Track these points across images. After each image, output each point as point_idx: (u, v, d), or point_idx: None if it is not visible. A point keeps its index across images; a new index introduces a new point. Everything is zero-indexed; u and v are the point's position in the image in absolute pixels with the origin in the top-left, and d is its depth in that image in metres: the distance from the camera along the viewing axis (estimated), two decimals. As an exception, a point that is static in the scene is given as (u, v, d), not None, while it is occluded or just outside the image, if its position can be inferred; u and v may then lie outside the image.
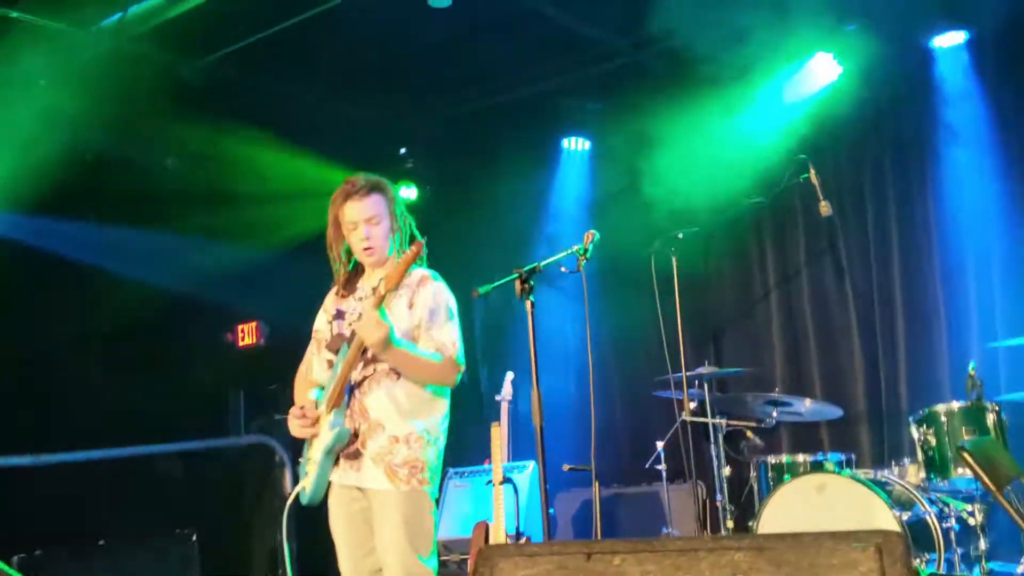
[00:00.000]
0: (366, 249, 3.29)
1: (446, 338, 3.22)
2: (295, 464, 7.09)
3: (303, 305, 7.41)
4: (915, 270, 5.77)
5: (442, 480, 3.51)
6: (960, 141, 5.56)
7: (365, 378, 3.23)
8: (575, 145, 6.76)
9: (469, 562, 5.35)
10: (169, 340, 7.36)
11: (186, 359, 7.56)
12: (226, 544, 6.93)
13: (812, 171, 5.08)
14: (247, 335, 8.26)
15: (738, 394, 5.31)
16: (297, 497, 3.27)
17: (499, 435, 5.44)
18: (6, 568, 2.44)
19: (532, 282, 3.22)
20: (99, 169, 6.83)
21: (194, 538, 6.43)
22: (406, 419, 3.21)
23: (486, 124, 6.75)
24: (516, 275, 3.18)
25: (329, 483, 3.28)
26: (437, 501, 3.29)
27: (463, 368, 3.26)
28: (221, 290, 7.71)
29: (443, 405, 3.32)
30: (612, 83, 6.21)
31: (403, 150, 7.24)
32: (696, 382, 5.30)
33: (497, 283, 3.26)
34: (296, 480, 7.03)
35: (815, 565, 1.45)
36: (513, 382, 5.86)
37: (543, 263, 3.34)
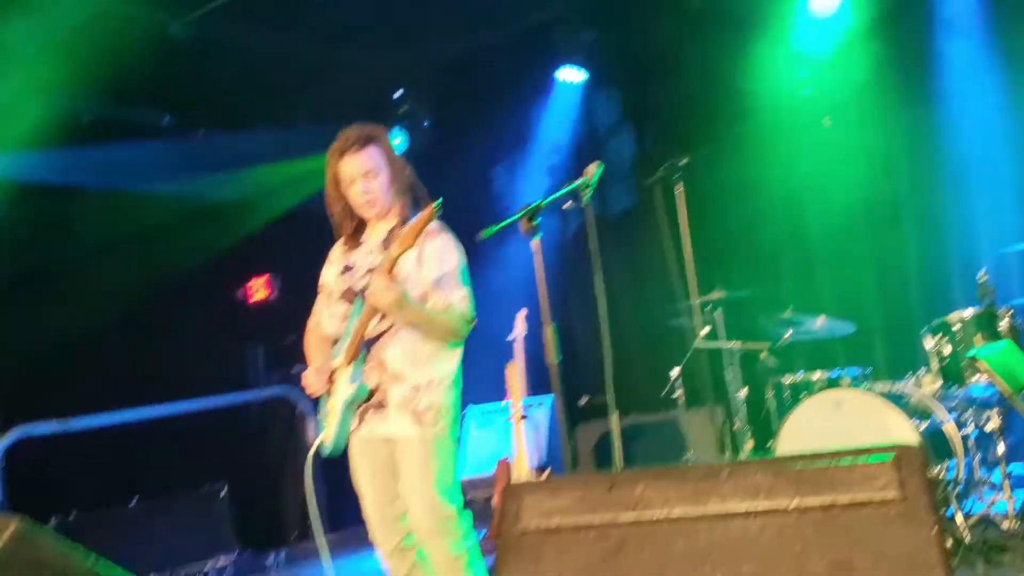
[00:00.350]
0: (368, 203, 3.29)
1: (455, 294, 3.24)
2: (318, 411, 7.19)
3: (315, 258, 7.49)
4: (922, 177, 5.74)
5: (460, 421, 3.55)
6: (961, 36, 5.48)
7: (382, 332, 3.26)
8: (571, 78, 6.65)
9: (494, 499, 5.43)
10: (186, 298, 7.40)
11: (204, 317, 7.61)
12: (256, 497, 7.05)
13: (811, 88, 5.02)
14: (258, 290, 8.31)
15: (751, 315, 5.31)
16: (319, 449, 3.33)
17: (515, 373, 5.48)
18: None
19: (537, 220, 3.21)
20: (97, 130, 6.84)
21: (224, 492, 6.55)
22: (425, 367, 3.25)
23: (480, 62, 6.66)
24: (521, 213, 3.17)
25: (349, 434, 3.32)
26: (458, 441, 3.35)
27: (475, 321, 3.28)
28: (233, 247, 7.74)
29: (457, 352, 3.37)
30: (605, 10, 6.10)
31: (398, 93, 7.17)
32: (709, 308, 5.31)
33: (502, 223, 3.25)
34: (319, 429, 7.13)
35: (835, 481, 1.47)
36: (526, 318, 5.89)
37: (546, 200, 3.31)
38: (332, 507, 7.31)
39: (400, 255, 3.08)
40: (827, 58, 5.67)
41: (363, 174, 3.25)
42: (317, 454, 3.32)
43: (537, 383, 6.12)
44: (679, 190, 4.90)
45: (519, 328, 5.81)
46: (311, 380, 3.32)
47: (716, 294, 5.23)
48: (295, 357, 7.48)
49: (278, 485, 7.35)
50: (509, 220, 3.21)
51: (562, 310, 5.37)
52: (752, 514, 1.49)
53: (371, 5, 6.02)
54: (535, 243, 3.18)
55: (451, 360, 3.33)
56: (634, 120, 5.86)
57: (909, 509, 1.42)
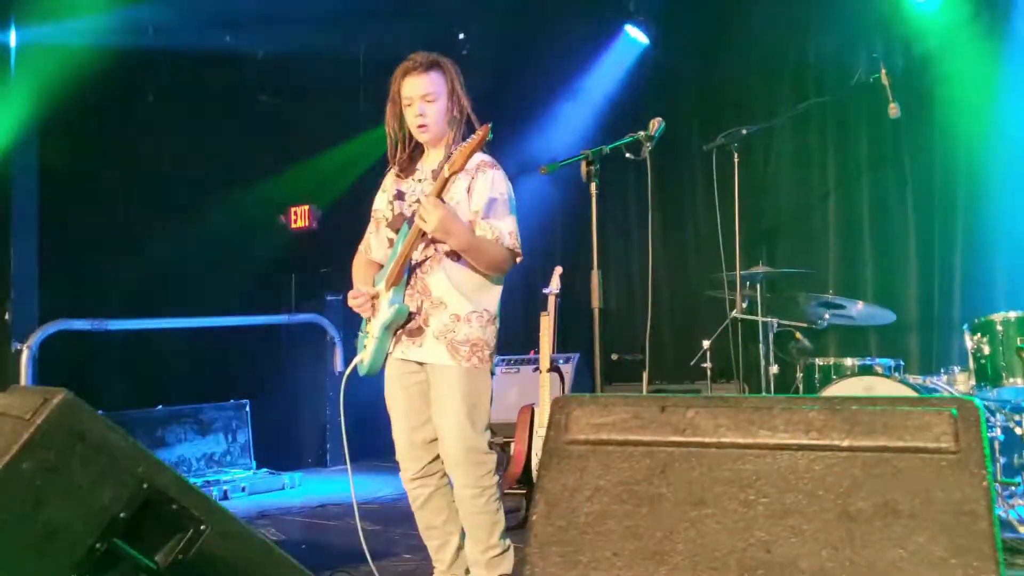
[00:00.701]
0: (420, 127, 3.30)
1: (504, 227, 3.25)
2: (345, 342, 7.27)
3: (355, 191, 7.52)
4: (978, 179, 5.66)
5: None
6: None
7: (427, 258, 3.28)
8: (638, 35, 6.58)
9: (514, 445, 5.47)
10: (227, 217, 7.50)
11: (244, 238, 7.69)
12: (277, 418, 7.16)
13: (883, 71, 4.94)
14: (300, 218, 8.37)
15: (791, 294, 5.29)
16: (355, 369, 3.37)
17: (548, 324, 5.50)
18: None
19: (597, 165, 3.21)
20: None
21: (247, 409, 6.65)
22: (467, 299, 3.27)
23: (546, 6, 6.61)
24: (583, 156, 3.17)
25: (386, 356, 3.36)
26: (492, 375, 3.37)
27: (521, 257, 3.30)
28: (276, 174, 7.82)
29: (499, 289, 3.39)
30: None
31: (461, 35, 7.14)
32: (748, 283, 5.29)
33: (564, 161, 3.25)
34: (346, 358, 7.21)
35: (889, 426, 1.47)
36: (561, 276, 5.90)
37: (608, 147, 3.31)
38: (353, 438, 7.43)
39: (451, 177, 3.10)
40: (896, 45, 5.57)
41: (422, 96, 3.27)
42: (353, 373, 3.36)
43: (563, 342, 6.17)
44: (736, 160, 4.85)
45: (555, 284, 5.83)
46: (355, 301, 3.35)
47: (759, 268, 5.21)
48: (329, 286, 7.56)
49: (300, 410, 7.45)
50: (570, 160, 3.22)
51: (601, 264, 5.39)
52: (802, 447, 1.50)
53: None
54: (592, 187, 3.19)
55: (493, 294, 3.34)
56: (698, 85, 5.79)
57: (962, 460, 1.42)
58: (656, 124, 3.57)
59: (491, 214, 3.24)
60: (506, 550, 3.34)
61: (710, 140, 4.96)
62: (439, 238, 3.18)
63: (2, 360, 5.82)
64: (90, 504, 2.44)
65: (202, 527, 2.61)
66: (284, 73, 7.64)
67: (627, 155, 3.49)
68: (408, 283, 3.29)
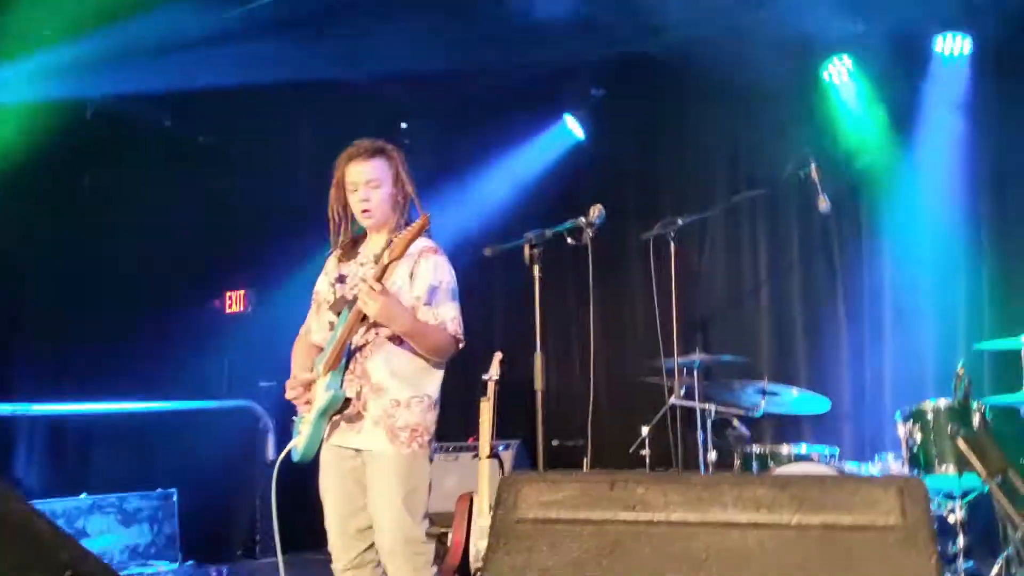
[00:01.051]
0: (364, 212, 3.33)
1: (446, 314, 3.27)
2: (278, 430, 7.10)
3: (289, 276, 7.48)
4: (905, 267, 5.85)
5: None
6: (952, 143, 5.66)
7: (367, 343, 3.27)
8: (575, 127, 6.74)
9: (452, 535, 5.35)
10: (160, 302, 7.39)
11: (175, 320, 7.57)
12: (206, 508, 6.93)
13: (813, 165, 5.11)
14: (235, 302, 8.27)
15: (727, 380, 5.35)
16: (288, 455, 3.29)
17: (488, 409, 5.46)
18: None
19: (540, 248, 3.25)
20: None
21: (175, 497, 6.44)
22: (407, 384, 3.26)
23: (487, 95, 6.75)
24: (526, 240, 3.21)
25: (321, 442, 3.29)
26: (430, 463, 3.32)
27: (463, 343, 3.30)
28: (211, 257, 7.75)
29: (440, 374, 3.38)
30: (619, 70, 6.23)
31: (404, 125, 7.24)
32: (685, 369, 5.33)
33: (507, 245, 3.29)
34: (279, 446, 7.03)
35: (837, 502, 1.48)
36: (501, 362, 5.89)
37: (551, 231, 3.36)
38: (284, 528, 7.21)
39: (391, 263, 3.10)
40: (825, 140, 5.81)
41: (366, 182, 3.31)
42: (286, 460, 3.28)
43: (502, 428, 6.12)
44: (672, 249, 4.95)
45: (494, 370, 5.81)
46: (291, 393, 3.31)
47: (696, 355, 5.26)
48: (263, 373, 7.43)
49: (230, 499, 7.22)
50: (514, 244, 3.25)
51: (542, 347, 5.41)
52: (752, 525, 1.50)
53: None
54: (535, 270, 3.22)
55: (434, 380, 3.34)
56: (635, 173, 5.95)
57: (910, 536, 1.43)
58: (596, 211, 3.65)
59: (433, 301, 3.25)
60: None
61: (647, 229, 5.05)
62: (381, 323, 3.17)
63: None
64: (10, 594, 2.32)
65: (128, 617, 2.50)
66: (225, 155, 7.63)
67: (568, 240, 3.54)
68: (347, 367, 3.27)
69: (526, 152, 6.87)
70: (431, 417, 3.30)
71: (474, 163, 6.92)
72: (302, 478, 3.38)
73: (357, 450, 3.25)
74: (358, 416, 3.23)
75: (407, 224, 3.31)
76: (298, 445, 3.26)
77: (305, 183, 8.18)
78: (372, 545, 3.27)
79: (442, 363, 3.35)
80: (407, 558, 3.16)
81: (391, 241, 3.24)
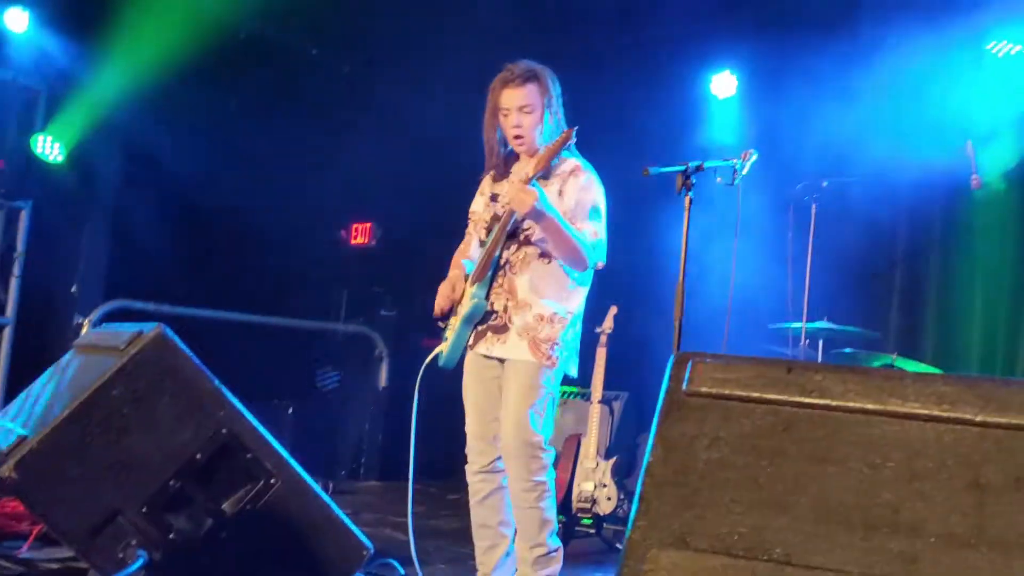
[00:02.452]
0: (516, 137, 3.40)
1: (589, 227, 3.30)
2: (393, 358, 7.28)
3: (416, 212, 7.59)
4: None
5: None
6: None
7: (516, 259, 3.34)
8: (724, 85, 6.63)
9: (557, 474, 5.41)
10: (288, 229, 7.59)
11: (303, 248, 7.77)
12: (317, 426, 7.16)
13: (968, 142, 4.94)
14: (360, 234, 8.45)
15: (853, 351, 5.24)
16: (435, 359, 3.44)
17: (602, 356, 5.51)
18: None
19: (694, 179, 3.26)
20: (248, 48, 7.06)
21: (289, 412, 6.67)
22: (551, 301, 3.34)
23: (632, 57, 6.70)
24: (682, 167, 3.21)
25: (464, 349, 3.40)
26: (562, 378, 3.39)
27: (603, 262, 3.34)
28: (341, 188, 7.91)
29: (583, 294, 3.45)
30: (768, 20, 6.11)
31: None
32: (808, 339, 5.24)
33: (664, 168, 3.30)
34: (393, 374, 7.20)
35: (1024, 404, 1.45)
36: (616, 317, 5.90)
37: (707, 163, 3.35)
38: (384, 456, 7.41)
39: (536, 172, 3.16)
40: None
41: (518, 107, 3.36)
42: (432, 364, 3.41)
43: (614, 381, 6.13)
44: (813, 210, 4.86)
45: (608, 323, 5.83)
46: (442, 292, 3.45)
47: (824, 323, 5.16)
48: (383, 304, 7.62)
49: (340, 421, 7.45)
50: (672, 169, 3.26)
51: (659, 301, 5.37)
52: (932, 418, 1.48)
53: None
54: (687, 200, 3.23)
55: (577, 298, 3.40)
56: (785, 133, 5.84)
57: (1100, 443, 1.40)
58: (748, 155, 3.62)
59: (578, 217, 3.29)
60: (554, 552, 3.31)
61: (792, 187, 4.97)
62: (531, 219, 3.22)
63: (64, 331, 5.90)
64: (171, 440, 2.47)
65: (272, 480, 2.62)
66: (366, 84, 7.77)
67: (718, 179, 3.53)
68: (494, 281, 3.36)
69: (672, 111, 6.81)
70: (571, 335, 3.37)
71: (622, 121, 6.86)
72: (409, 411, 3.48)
73: (500, 360, 3.34)
74: (503, 328, 3.34)
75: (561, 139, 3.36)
76: (443, 350, 3.41)
77: (439, 118, 8.33)
78: None
79: (587, 280, 3.41)
80: (524, 461, 3.24)
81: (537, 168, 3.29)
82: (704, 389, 1.60)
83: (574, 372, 3.42)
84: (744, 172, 3.56)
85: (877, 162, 5.54)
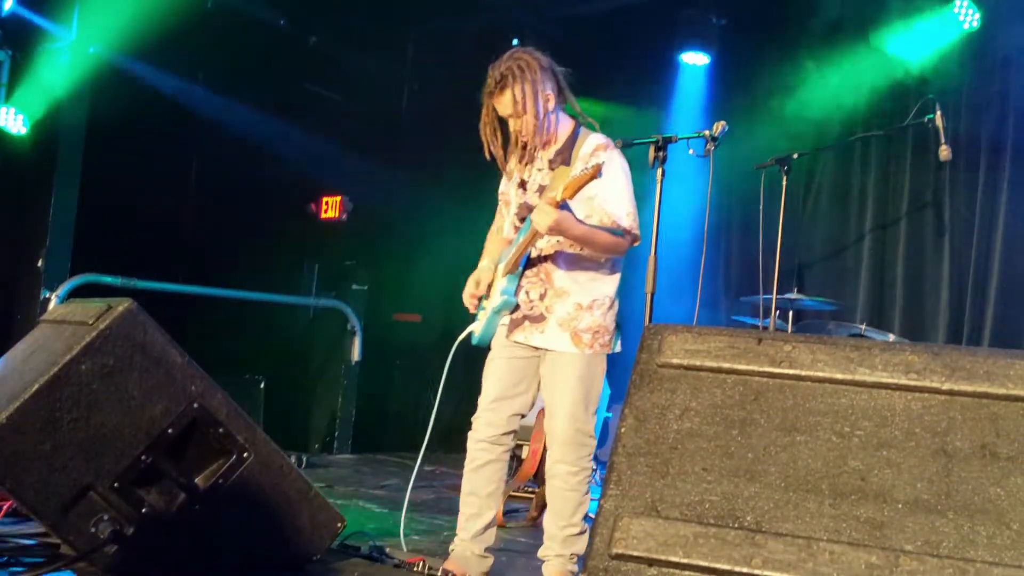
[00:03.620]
0: (522, 142, 3.36)
1: (620, 209, 3.27)
2: (365, 332, 7.25)
3: (387, 185, 7.56)
4: (1018, 237, 5.68)
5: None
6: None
7: (552, 250, 3.34)
8: (693, 60, 6.63)
9: (530, 445, 5.45)
10: (257, 203, 7.53)
11: (273, 221, 7.71)
12: (290, 397, 7.14)
13: (938, 113, 4.97)
14: (331, 208, 8.38)
15: (822, 322, 5.30)
16: (468, 337, 3.50)
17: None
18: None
19: (665, 152, 3.25)
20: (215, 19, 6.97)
21: (262, 385, 6.64)
22: (588, 287, 3.33)
23: (601, 30, 6.67)
24: (654, 139, 3.20)
25: (494, 333, 3.45)
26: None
27: (640, 237, 3.31)
28: (310, 161, 7.85)
29: (618, 276, 3.44)
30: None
31: (515, 41, 7.20)
32: (777, 309, 5.29)
33: (638, 140, 3.29)
34: (365, 348, 7.18)
35: (991, 373, 1.48)
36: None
37: (679, 136, 3.35)
38: (357, 430, 7.42)
39: (564, 199, 3.10)
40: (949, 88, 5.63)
41: (510, 114, 3.34)
42: (465, 342, 3.48)
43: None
44: (784, 182, 4.87)
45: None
46: (472, 279, 3.51)
47: (793, 294, 5.21)
48: (351, 278, 7.59)
49: (312, 395, 7.43)
50: (642, 141, 3.25)
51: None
52: (900, 387, 1.51)
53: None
54: (659, 173, 3.23)
55: (612, 282, 3.40)
56: (747, 106, 5.85)
57: (1063, 410, 1.42)
58: (720, 126, 3.62)
59: (608, 197, 3.26)
60: (583, 531, 3.34)
61: (755, 162, 4.98)
62: (553, 235, 3.23)
63: (31, 306, 5.83)
64: (141, 415, 2.45)
65: (245, 454, 2.62)
66: (334, 58, 7.71)
67: (690, 151, 3.54)
68: (524, 272, 3.38)
69: (641, 87, 6.81)
70: (611, 317, 3.38)
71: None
72: (383, 383, 3.49)
73: (538, 348, 3.35)
74: (541, 317, 3.33)
75: (570, 122, 3.38)
76: (476, 331, 3.47)
77: (408, 94, 8.26)
78: (513, 432, 3.42)
79: (620, 263, 3.41)
80: (576, 447, 3.28)
81: (560, 151, 3.33)
82: (675, 360, 1.61)
83: (619, 348, 3.42)
84: (716, 144, 3.56)
85: (846, 133, 5.58)
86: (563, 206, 3.11)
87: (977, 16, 5.66)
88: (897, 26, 5.74)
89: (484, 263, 3.58)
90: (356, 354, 7.21)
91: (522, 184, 3.47)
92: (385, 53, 7.93)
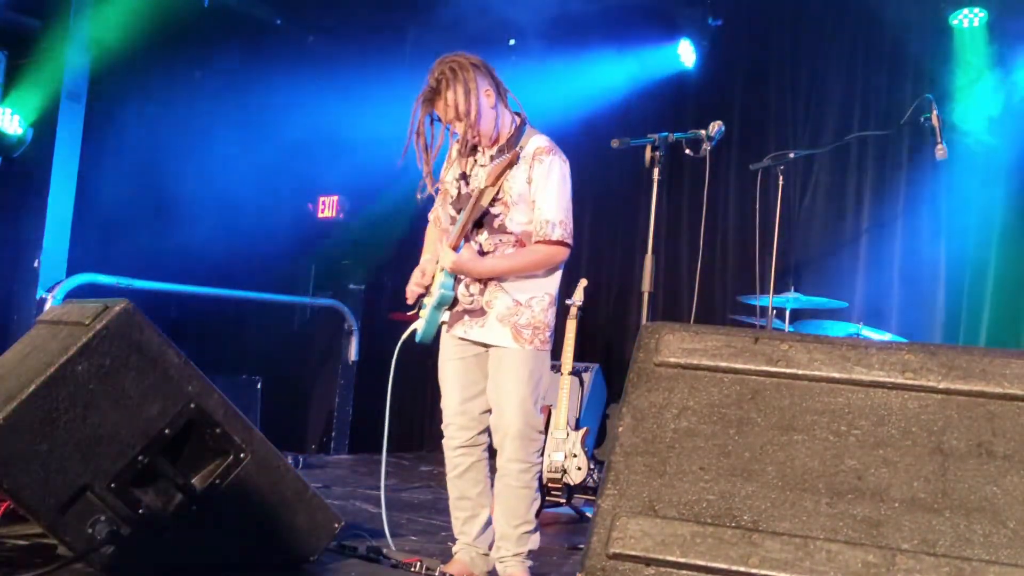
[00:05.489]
0: (475, 145, 3.35)
1: (553, 217, 3.26)
2: (362, 333, 7.25)
3: (384, 185, 7.57)
4: (1015, 237, 5.68)
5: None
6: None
7: (489, 246, 3.33)
8: (689, 54, 6.61)
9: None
10: (255, 203, 7.53)
11: (271, 221, 7.72)
12: (286, 397, 7.15)
13: (935, 112, 4.95)
14: (328, 208, 8.39)
15: (818, 321, 5.29)
16: (411, 335, 3.47)
17: (572, 329, 5.53)
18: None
19: (662, 152, 3.25)
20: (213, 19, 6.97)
21: (259, 385, 6.63)
22: (526, 283, 3.33)
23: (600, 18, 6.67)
24: (651, 140, 3.20)
25: (438, 330, 3.45)
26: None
27: (570, 246, 3.31)
28: (309, 160, 7.86)
29: (558, 273, 3.43)
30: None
31: (512, 41, 7.21)
32: (774, 309, 5.28)
33: (635, 141, 3.29)
34: (363, 348, 7.17)
35: (987, 372, 1.48)
36: (585, 289, 5.92)
37: (675, 135, 3.35)
38: (356, 423, 7.42)
39: (458, 241, 3.25)
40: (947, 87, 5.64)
41: (451, 119, 3.30)
42: (408, 340, 3.44)
43: (581, 355, 6.16)
44: (781, 182, 4.86)
45: (578, 296, 5.86)
46: (413, 281, 3.47)
47: (790, 294, 5.20)
48: (350, 278, 7.59)
49: (309, 395, 7.44)
50: (640, 141, 3.25)
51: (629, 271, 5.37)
52: (897, 386, 1.51)
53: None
54: (655, 173, 3.22)
55: (552, 279, 3.40)
56: (742, 107, 5.84)
57: (1059, 409, 1.42)
58: (716, 126, 3.62)
59: (542, 205, 3.26)
60: (536, 529, 3.34)
61: (750, 162, 4.97)
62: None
63: (27, 306, 5.83)
64: (138, 415, 2.45)
65: (242, 455, 2.61)
66: (332, 57, 7.71)
67: (687, 151, 3.54)
68: None
69: (633, 71, 6.79)
70: (551, 314, 3.39)
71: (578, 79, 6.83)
72: (378, 384, 3.51)
73: (481, 343, 3.35)
74: (481, 311, 3.34)
75: (513, 118, 3.36)
76: (418, 328, 3.45)
77: (405, 93, 8.24)
78: (486, 429, 3.41)
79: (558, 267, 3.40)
80: (525, 443, 3.27)
81: (501, 148, 3.31)
82: (673, 359, 1.61)
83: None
84: (712, 143, 3.56)
85: (839, 132, 5.58)
86: (458, 249, 3.21)
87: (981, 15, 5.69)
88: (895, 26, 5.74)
89: (427, 256, 3.54)
90: (353, 354, 7.21)
91: (463, 176, 3.43)
92: (383, 53, 7.94)
